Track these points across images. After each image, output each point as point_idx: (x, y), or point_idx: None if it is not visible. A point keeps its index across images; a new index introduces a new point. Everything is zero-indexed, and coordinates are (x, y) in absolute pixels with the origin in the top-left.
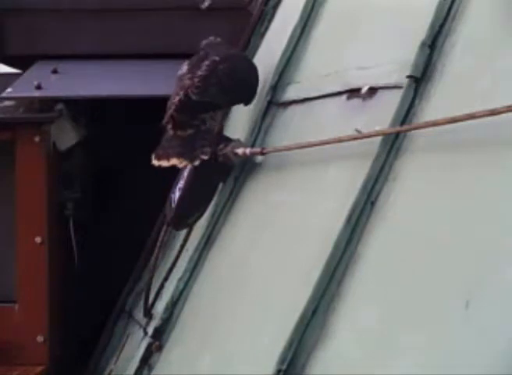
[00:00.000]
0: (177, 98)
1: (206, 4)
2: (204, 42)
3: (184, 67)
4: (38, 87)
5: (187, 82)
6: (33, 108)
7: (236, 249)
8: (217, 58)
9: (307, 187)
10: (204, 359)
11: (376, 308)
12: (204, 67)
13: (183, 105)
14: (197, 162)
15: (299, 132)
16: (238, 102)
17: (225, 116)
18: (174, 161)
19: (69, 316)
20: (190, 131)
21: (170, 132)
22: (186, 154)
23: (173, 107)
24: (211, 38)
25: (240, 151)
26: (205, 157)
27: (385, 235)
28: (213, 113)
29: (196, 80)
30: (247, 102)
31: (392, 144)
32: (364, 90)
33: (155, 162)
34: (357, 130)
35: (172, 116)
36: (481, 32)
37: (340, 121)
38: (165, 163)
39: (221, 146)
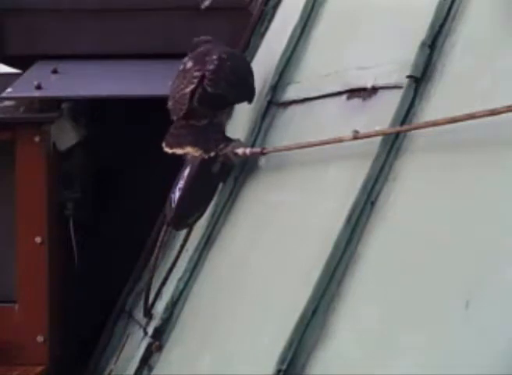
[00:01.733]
0: (191, 87)
1: (206, 3)
2: (196, 40)
3: (188, 62)
4: (38, 87)
5: (197, 74)
6: (33, 108)
7: (236, 249)
8: (224, 56)
9: (307, 187)
10: (204, 359)
11: (376, 308)
12: (214, 62)
13: (201, 96)
14: (212, 154)
15: (299, 132)
16: (241, 100)
17: None
18: (188, 149)
19: (69, 316)
20: (203, 121)
21: (181, 121)
22: (201, 143)
23: (196, 97)
24: (203, 37)
25: (240, 151)
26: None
27: (385, 235)
28: (223, 107)
29: (207, 73)
30: (249, 101)
31: (392, 144)
32: (369, 86)
33: (167, 150)
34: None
35: (189, 106)
36: (481, 32)
37: (340, 121)
38: (178, 151)
39: (221, 146)
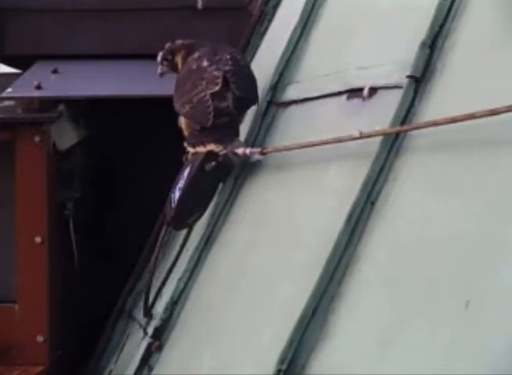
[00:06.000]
0: (215, 89)
1: (200, 4)
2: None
3: (203, 61)
4: (38, 87)
5: (217, 73)
6: (33, 109)
7: (236, 249)
8: (237, 56)
9: (307, 187)
10: (204, 359)
11: (376, 308)
12: (229, 61)
13: (230, 98)
14: (229, 149)
15: (299, 132)
16: (256, 101)
17: None
18: (211, 146)
19: (69, 316)
20: (224, 119)
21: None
22: (221, 140)
23: (229, 98)
24: (178, 41)
25: (240, 151)
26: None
27: (385, 235)
28: (246, 108)
29: (229, 74)
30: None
31: (392, 144)
32: (366, 90)
33: (191, 150)
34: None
35: (215, 107)
36: (481, 32)
37: (340, 121)
38: (201, 149)
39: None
